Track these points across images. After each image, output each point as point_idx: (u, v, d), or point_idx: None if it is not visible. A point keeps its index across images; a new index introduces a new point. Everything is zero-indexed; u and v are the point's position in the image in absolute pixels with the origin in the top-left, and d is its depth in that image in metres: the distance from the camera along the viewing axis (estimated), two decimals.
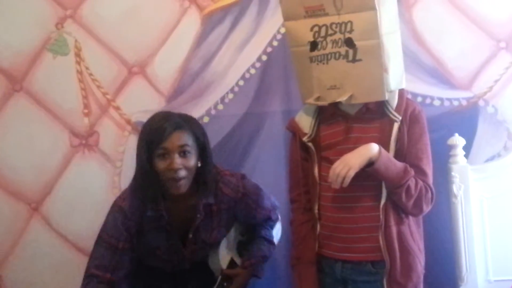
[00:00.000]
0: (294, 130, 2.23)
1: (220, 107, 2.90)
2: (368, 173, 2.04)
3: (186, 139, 2.14)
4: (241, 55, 2.92)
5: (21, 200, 3.00)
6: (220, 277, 2.37)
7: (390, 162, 2.05)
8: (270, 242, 2.45)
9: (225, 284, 2.36)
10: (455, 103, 2.77)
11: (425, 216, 2.72)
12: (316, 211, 2.18)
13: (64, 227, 2.97)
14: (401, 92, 2.17)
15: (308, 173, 2.20)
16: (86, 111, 2.96)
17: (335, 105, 2.14)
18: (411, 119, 2.12)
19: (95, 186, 2.95)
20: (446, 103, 2.78)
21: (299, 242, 2.22)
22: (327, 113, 2.18)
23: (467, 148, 2.70)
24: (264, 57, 2.87)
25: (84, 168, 2.97)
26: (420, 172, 2.10)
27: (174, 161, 2.11)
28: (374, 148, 2.04)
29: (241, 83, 2.91)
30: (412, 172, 2.07)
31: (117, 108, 2.94)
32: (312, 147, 2.17)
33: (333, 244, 2.16)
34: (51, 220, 2.99)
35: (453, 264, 2.66)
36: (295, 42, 2.15)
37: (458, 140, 2.66)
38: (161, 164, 2.12)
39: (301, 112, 2.25)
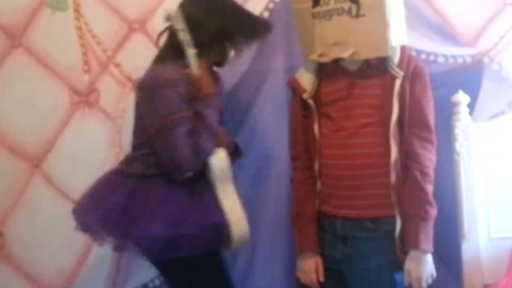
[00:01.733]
0: (294, 87, 2.24)
1: None
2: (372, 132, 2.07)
3: None
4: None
5: (21, 158, 3.00)
6: None
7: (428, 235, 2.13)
8: None
9: None
10: (460, 60, 2.74)
11: None
12: (316, 168, 2.18)
13: (65, 184, 2.97)
14: (403, 48, 2.17)
15: (308, 130, 2.20)
16: (86, 68, 2.93)
17: (336, 62, 2.15)
18: (413, 75, 2.13)
19: (95, 144, 2.94)
20: (450, 60, 2.74)
21: (299, 200, 2.23)
22: (328, 70, 2.18)
23: (471, 106, 2.68)
24: (266, 14, 2.83)
25: (85, 125, 2.96)
26: (426, 128, 2.12)
27: None
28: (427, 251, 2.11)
29: None
30: (427, 207, 2.11)
31: (118, 65, 2.91)
32: (313, 104, 2.16)
33: (333, 201, 2.17)
34: (52, 177, 2.99)
35: (455, 222, 2.66)
36: None
37: (462, 97, 2.64)
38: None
39: (302, 69, 2.25)
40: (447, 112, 2.66)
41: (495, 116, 2.73)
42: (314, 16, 2.11)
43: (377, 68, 2.14)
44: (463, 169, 2.62)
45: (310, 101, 2.17)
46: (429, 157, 2.14)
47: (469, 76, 2.72)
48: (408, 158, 2.11)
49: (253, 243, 2.85)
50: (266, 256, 2.73)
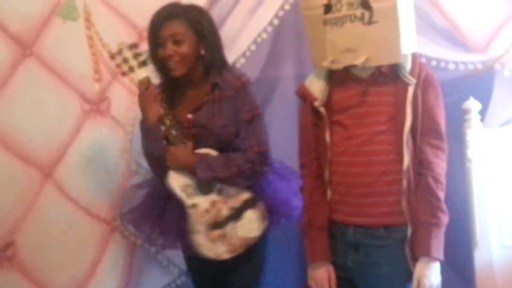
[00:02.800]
0: (304, 95, 2.21)
1: None
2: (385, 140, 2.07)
3: (177, 27, 2.33)
4: (252, 19, 2.90)
5: (33, 166, 3.01)
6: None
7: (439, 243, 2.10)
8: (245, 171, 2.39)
9: (182, 140, 2.36)
10: (471, 66, 2.74)
11: None
12: (327, 176, 2.18)
13: (76, 192, 2.98)
14: (414, 55, 2.14)
15: (319, 139, 2.19)
16: (97, 76, 2.95)
17: (348, 69, 2.13)
18: (425, 83, 2.11)
19: (106, 152, 2.96)
20: (461, 67, 2.74)
21: (311, 208, 2.21)
22: (339, 78, 2.17)
23: (482, 112, 2.67)
24: (276, 21, 2.84)
25: (96, 133, 2.98)
26: (438, 137, 2.10)
27: (166, 48, 2.33)
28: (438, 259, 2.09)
29: (253, 47, 2.89)
30: (440, 214, 2.09)
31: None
32: (324, 112, 2.15)
33: (344, 209, 2.16)
34: (63, 185, 3.00)
35: (467, 229, 2.66)
36: (308, 5, 2.13)
37: (473, 104, 2.64)
38: (160, 52, 2.36)
39: (311, 77, 2.23)
40: (458, 119, 2.66)
41: (507, 122, 2.73)
42: (325, 22, 2.10)
43: (388, 75, 2.12)
44: (475, 176, 2.62)
45: (322, 109, 2.17)
46: (441, 165, 2.12)
47: (480, 83, 2.72)
48: (421, 165, 2.10)
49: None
50: (276, 266, 2.72)
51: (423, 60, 2.73)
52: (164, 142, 2.36)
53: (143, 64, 2.39)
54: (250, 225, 2.36)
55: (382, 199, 2.10)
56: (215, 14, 2.84)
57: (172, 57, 2.33)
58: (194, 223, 2.36)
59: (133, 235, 2.93)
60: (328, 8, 2.08)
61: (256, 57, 2.88)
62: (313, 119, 2.19)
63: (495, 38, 2.73)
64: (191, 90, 2.44)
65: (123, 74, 2.43)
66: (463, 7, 2.75)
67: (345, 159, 2.13)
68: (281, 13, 2.84)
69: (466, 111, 2.65)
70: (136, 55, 2.39)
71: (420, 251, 2.07)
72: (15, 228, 3.03)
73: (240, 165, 2.36)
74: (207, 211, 2.36)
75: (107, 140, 2.97)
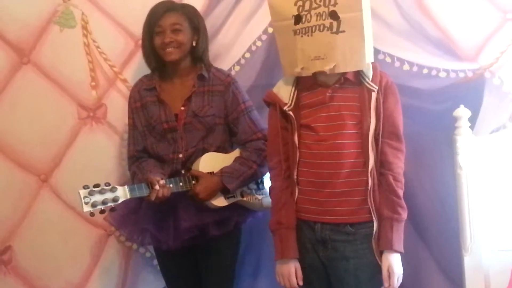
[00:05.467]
0: (274, 101, 2.35)
1: None
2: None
3: (176, 18, 2.59)
4: (247, 28, 2.93)
5: (30, 172, 3.04)
6: (183, 171, 2.55)
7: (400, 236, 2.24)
8: (253, 167, 2.61)
9: (192, 181, 2.53)
10: (461, 74, 2.77)
11: (430, 188, 2.78)
12: (295, 177, 2.28)
13: (73, 199, 2.96)
14: (374, 64, 2.31)
15: (287, 142, 2.32)
16: (93, 83, 2.98)
17: (315, 76, 2.28)
18: (386, 89, 2.28)
19: (103, 158, 2.99)
20: (452, 75, 2.77)
21: (280, 208, 2.32)
22: (306, 84, 2.32)
23: (473, 120, 2.70)
24: (270, 29, 2.87)
25: (92, 140, 3.01)
26: (398, 139, 2.27)
27: (166, 36, 2.57)
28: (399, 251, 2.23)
29: (248, 55, 2.92)
30: (400, 210, 2.23)
31: (125, 81, 2.97)
32: (293, 116, 2.28)
33: (312, 208, 2.29)
34: (60, 191, 3.03)
35: (458, 235, 2.68)
36: (278, 17, 2.30)
37: (464, 112, 2.67)
38: (158, 40, 2.59)
39: (279, 84, 2.38)
40: (449, 126, 2.69)
41: (497, 130, 2.75)
42: (295, 32, 2.23)
43: (353, 82, 2.28)
44: (465, 182, 2.65)
45: (291, 113, 2.28)
46: (400, 165, 2.27)
47: (471, 91, 2.75)
48: (382, 166, 2.25)
49: (258, 254, 2.90)
50: (270, 267, 2.73)
51: (415, 68, 2.78)
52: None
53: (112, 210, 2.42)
54: None
55: (349, 198, 2.24)
56: (211, 22, 2.89)
57: (171, 43, 2.57)
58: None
59: (128, 239, 2.96)
60: (298, 19, 2.23)
61: (250, 65, 2.92)
62: (282, 123, 2.32)
63: (485, 47, 2.76)
64: (177, 79, 2.66)
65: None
66: (454, 17, 2.78)
67: (316, 161, 2.26)
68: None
69: (456, 119, 2.68)
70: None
71: (383, 245, 2.22)
72: (12, 233, 3.07)
73: (256, 159, 2.60)
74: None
75: (103, 146, 3.00)
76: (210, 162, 2.58)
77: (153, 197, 2.40)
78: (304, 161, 2.28)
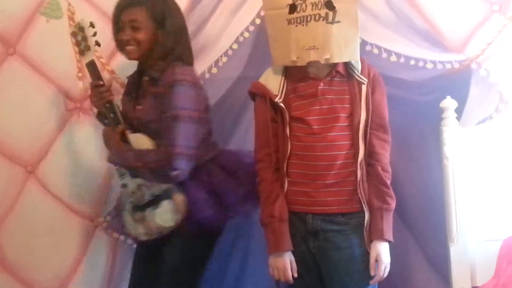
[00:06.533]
0: (263, 93, 2.32)
1: (214, 70, 2.89)
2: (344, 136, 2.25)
3: (136, 14, 2.47)
4: (235, 19, 2.92)
5: (16, 164, 3.02)
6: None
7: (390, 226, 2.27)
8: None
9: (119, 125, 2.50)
10: (448, 66, 2.77)
11: (417, 179, 2.80)
12: (284, 169, 2.28)
13: (60, 190, 3.00)
14: (362, 58, 2.32)
15: (277, 134, 2.30)
16: (80, 74, 2.96)
17: (305, 68, 2.27)
18: (374, 82, 2.31)
19: (90, 149, 2.97)
20: (439, 66, 2.77)
21: (272, 201, 2.30)
22: (296, 77, 2.31)
23: (459, 111, 2.72)
24: (258, 21, 2.87)
25: (79, 131, 2.99)
26: (385, 131, 2.31)
27: (124, 33, 2.49)
28: (389, 240, 2.26)
29: (235, 46, 2.90)
30: (389, 200, 2.27)
31: (112, 72, 2.94)
32: (284, 107, 2.26)
33: (303, 200, 2.29)
34: (47, 183, 3.01)
35: (444, 225, 2.70)
36: (272, 5, 2.28)
37: (450, 103, 2.69)
38: (118, 36, 2.54)
39: (267, 75, 2.37)
40: (435, 117, 2.71)
41: (483, 121, 2.77)
42: (290, 22, 2.21)
43: (343, 75, 2.28)
44: (452, 173, 2.67)
45: (282, 105, 2.26)
46: (387, 156, 2.31)
47: (457, 82, 2.76)
48: (370, 157, 2.27)
49: (245, 248, 2.90)
50: (258, 262, 2.74)
51: (402, 59, 2.78)
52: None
53: (97, 44, 2.52)
54: (164, 215, 2.40)
55: (340, 189, 2.25)
56: (198, 13, 2.88)
57: (129, 41, 2.49)
58: (123, 202, 2.49)
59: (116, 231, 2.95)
60: (293, 8, 2.21)
61: (238, 56, 2.90)
62: (272, 115, 2.29)
63: (472, 38, 2.77)
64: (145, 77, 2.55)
65: (81, 52, 2.55)
66: (441, 8, 2.79)
67: (308, 153, 2.26)
68: (263, 12, 2.86)
69: (443, 110, 2.69)
70: (94, 34, 2.52)
71: (374, 234, 2.25)
72: None
73: (149, 161, 2.42)
74: (133, 192, 2.46)
75: (90, 137, 2.98)
76: (140, 139, 2.50)
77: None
78: (295, 153, 2.27)
